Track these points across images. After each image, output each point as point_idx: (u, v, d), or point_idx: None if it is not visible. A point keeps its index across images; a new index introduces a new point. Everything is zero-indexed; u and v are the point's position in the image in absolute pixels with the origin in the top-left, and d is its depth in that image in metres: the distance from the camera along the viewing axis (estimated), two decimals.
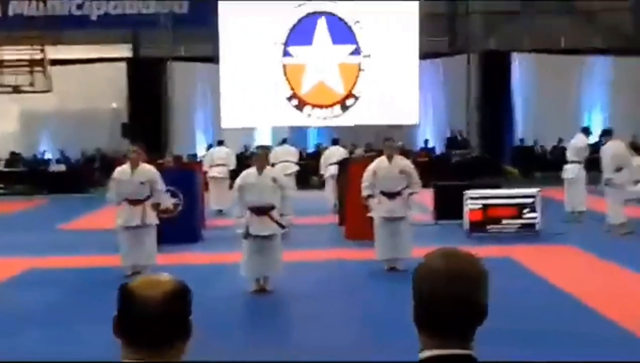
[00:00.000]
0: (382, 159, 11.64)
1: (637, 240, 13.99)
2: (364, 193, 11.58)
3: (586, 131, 17.07)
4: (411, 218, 11.67)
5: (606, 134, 15.87)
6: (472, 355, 2.06)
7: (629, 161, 14.99)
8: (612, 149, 14.92)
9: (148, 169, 11.36)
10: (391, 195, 11.38)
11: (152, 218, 11.17)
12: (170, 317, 2.10)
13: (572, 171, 16.34)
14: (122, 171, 11.32)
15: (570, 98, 29.16)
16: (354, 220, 13.93)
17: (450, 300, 2.03)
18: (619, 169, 14.68)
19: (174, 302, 2.11)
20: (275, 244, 10.23)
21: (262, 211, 10.09)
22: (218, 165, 19.29)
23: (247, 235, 10.10)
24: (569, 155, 16.57)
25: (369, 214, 11.66)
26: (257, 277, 10.20)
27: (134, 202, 11.09)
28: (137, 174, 11.16)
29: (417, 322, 2.09)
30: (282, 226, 10.28)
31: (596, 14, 29.42)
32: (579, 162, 16.25)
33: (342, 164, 17.19)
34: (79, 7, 27.80)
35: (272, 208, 10.15)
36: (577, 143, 16.48)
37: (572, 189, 16.33)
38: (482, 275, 2.08)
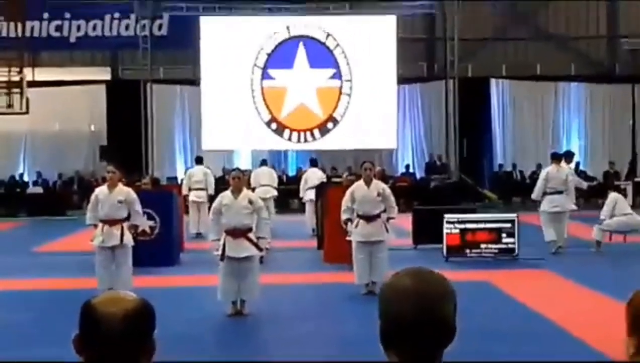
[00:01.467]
0: (360, 183, 11.65)
1: (613, 265, 14.05)
2: (343, 217, 11.57)
3: (569, 157, 17.30)
4: (389, 242, 11.65)
5: (552, 157, 16.49)
6: None
7: (567, 186, 15.63)
8: (545, 172, 16.02)
9: (126, 190, 11.34)
10: (369, 218, 11.37)
11: (129, 239, 11.10)
12: (132, 335, 2.06)
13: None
14: (100, 191, 11.29)
15: (547, 124, 29.44)
16: (332, 244, 13.90)
17: (417, 320, 1.99)
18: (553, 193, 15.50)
19: (137, 320, 2.08)
20: (253, 266, 10.15)
21: (238, 233, 10.03)
22: (197, 189, 19.20)
23: (223, 257, 10.02)
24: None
25: (348, 238, 11.64)
26: (234, 300, 10.11)
27: (112, 222, 11.02)
28: (114, 193, 11.11)
29: (384, 342, 2.05)
30: (259, 249, 10.22)
31: (571, 42, 29.75)
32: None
33: (320, 188, 17.19)
34: (58, 28, 27.75)
35: (249, 230, 10.09)
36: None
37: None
38: (450, 294, 2.05)
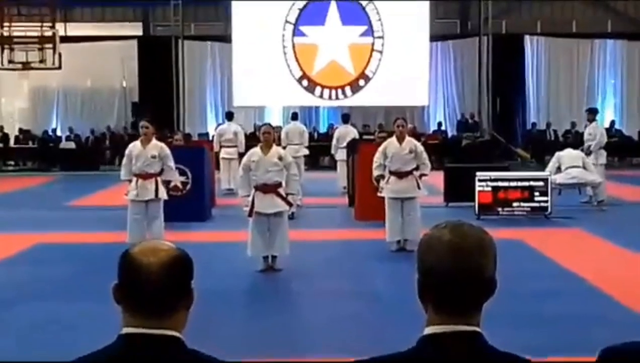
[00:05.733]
0: (393, 140, 11.56)
1: None
2: (375, 173, 11.50)
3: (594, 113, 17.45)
4: (421, 199, 11.58)
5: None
6: (478, 331, 1.97)
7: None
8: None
9: (160, 145, 11.34)
10: (401, 175, 11.30)
11: (163, 193, 11.16)
12: (171, 284, 2.06)
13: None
14: (134, 146, 11.32)
15: (582, 82, 29.02)
16: (363, 201, 13.87)
17: (456, 273, 1.94)
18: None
19: (175, 269, 2.08)
20: (282, 222, 10.15)
21: (267, 188, 10.01)
22: (228, 146, 19.23)
23: (251, 213, 10.01)
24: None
25: (379, 194, 11.58)
26: (265, 255, 10.13)
27: (146, 176, 11.07)
28: (148, 149, 11.13)
29: (422, 297, 2.01)
30: (289, 204, 10.21)
31: None
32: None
33: (352, 145, 17.12)
34: None
35: (279, 185, 10.07)
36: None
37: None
38: (489, 247, 1.99)
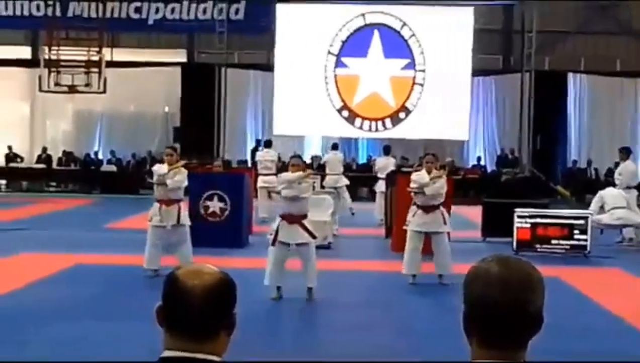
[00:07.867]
0: (423, 172, 11.54)
1: None
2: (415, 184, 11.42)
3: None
4: (449, 233, 11.55)
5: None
6: None
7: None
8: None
9: (182, 171, 11.46)
10: (427, 209, 11.29)
11: (186, 219, 11.28)
12: (214, 307, 2.07)
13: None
14: (159, 167, 11.47)
15: (625, 121, 28.77)
16: (401, 233, 13.81)
17: (503, 306, 1.91)
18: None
19: (218, 292, 2.09)
20: (309, 252, 10.09)
21: (293, 218, 10.01)
22: (266, 174, 19.28)
23: (274, 242, 10.01)
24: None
25: (404, 228, 11.58)
26: (278, 285, 10.06)
27: (169, 202, 11.19)
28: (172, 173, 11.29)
29: (467, 329, 1.98)
30: (313, 236, 10.18)
31: None
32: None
33: (390, 177, 17.13)
34: (137, 10, 28.16)
35: (304, 216, 10.10)
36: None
37: None
38: (538, 282, 1.97)
